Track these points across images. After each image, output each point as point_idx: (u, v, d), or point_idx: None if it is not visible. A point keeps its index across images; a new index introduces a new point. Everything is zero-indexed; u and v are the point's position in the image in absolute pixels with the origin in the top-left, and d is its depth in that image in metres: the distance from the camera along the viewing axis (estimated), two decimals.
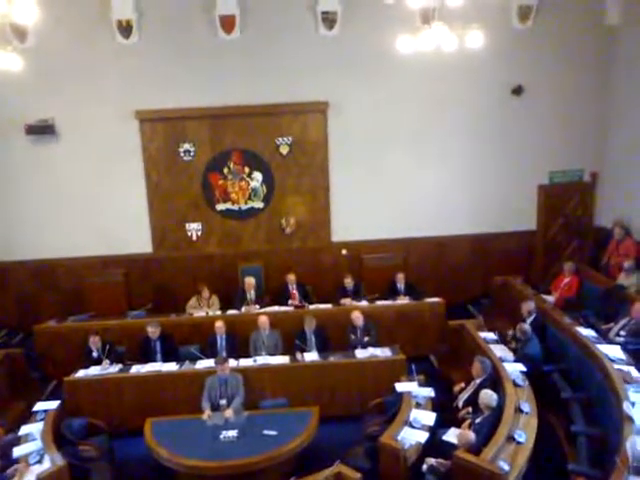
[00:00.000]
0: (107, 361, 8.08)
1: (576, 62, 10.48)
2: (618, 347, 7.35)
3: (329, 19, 10.17)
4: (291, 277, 9.95)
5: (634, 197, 9.95)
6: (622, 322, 7.95)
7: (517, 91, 10.61)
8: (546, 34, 10.33)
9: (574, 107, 10.66)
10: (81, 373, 7.92)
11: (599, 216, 11.03)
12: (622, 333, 7.85)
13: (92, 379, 7.82)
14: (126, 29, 10.00)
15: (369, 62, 10.25)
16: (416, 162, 10.78)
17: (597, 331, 7.92)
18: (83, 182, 10.48)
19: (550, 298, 9.31)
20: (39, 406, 7.22)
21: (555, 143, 10.74)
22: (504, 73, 10.48)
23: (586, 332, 7.83)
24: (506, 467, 5.51)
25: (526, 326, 7.90)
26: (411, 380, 7.34)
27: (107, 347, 8.24)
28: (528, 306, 8.53)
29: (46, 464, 5.97)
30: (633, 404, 6.09)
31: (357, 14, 10.05)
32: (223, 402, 7.13)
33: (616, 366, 6.86)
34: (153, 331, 8.40)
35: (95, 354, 8.21)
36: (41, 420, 6.85)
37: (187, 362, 8.07)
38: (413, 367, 7.51)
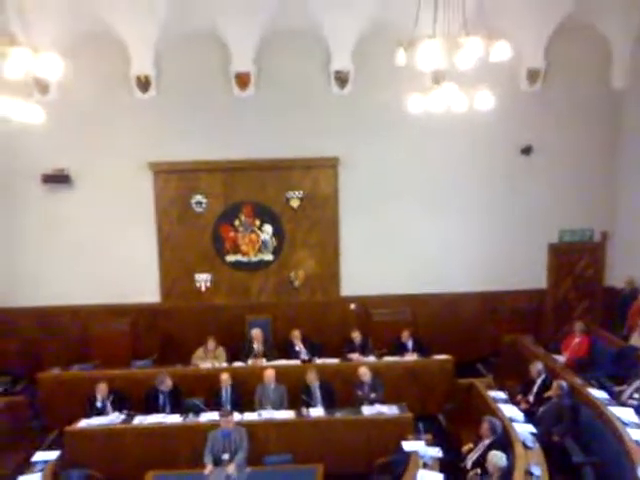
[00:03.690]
0: (115, 412, 7.97)
1: (584, 124, 10.65)
2: (631, 410, 7.18)
3: (341, 78, 10.43)
4: (296, 333, 9.87)
5: None
6: (635, 384, 7.78)
7: (526, 151, 10.75)
8: (554, 96, 10.55)
9: (583, 167, 10.77)
10: (83, 423, 7.79)
11: (609, 276, 10.97)
12: (635, 395, 7.66)
13: (94, 429, 7.68)
14: (144, 84, 10.30)
15: (380, 120, 10.46)
16: (426, 218, 10.84)
17: (609, 393, 7.76)
18: (94, 230, 10.60)
19: (561, 358, 9.17)
20: (38, 456, 7.06)
21: (565, 202, 10.81)
22: (514, 133, 10.65)
23: (598, 394, 7.68)
24: None
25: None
26: (418, 439, 7.17)
27: (112, 397, 8.15)
28: (537, 367, 8.42)
29: None
30: None
31: (369, 73, 10.31)
32: (226, 457, 6.95)
33: (629, 429, 6.69)
34: (164, 384, 8.29)
35: (100, 404, 8.10)
36: (40, 471, 6.69)
37: (191, 414, 7.94)
38: (420, 426, 7.35)
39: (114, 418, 7.92)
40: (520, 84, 10.49)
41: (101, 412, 8.02)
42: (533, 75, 10.46)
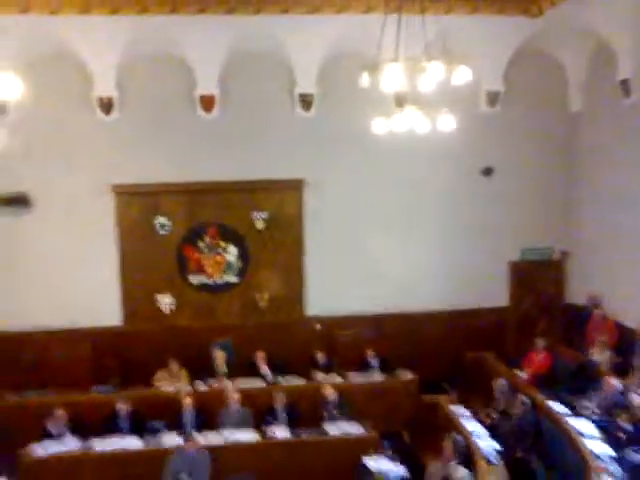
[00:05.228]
0: (73, 438, 7.76)
1: (543, 145, 10.91)
2: (590, 423, 7.29)
3: (306, 101, 10.51)
4: (260, 354, 9.78)
5: (603, 275, 10.13)
6: (594, 398, 7.91)
7: (487, 172, 10.97)
8: (513, 119, 10.80)
9: (543, 187, 11.02)
10: (40, 450, 7.54)
11: (570, 293, 11.19)
12: (595, 410, 7.79)
13: (50, 456, 7.45)
14: (107, 106, 10.18)
15: (344, 142, 10.52)
16: (390, 239, 10.90)
17: (569, 407, 7.87)
18: (53, 253, 10.34)
19: (523, 374, 9.27)
20: None
21: (525, 221, 11.00)
22: (474, 154, 10.84)
23: (558, 408, 7.78)
24: None
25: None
26: (383, 457, 7.16)
27: (69, 423, 7.93)
28: (499, 384, 8.51)
29: None
30: None
31: (333, 96, 10.39)
32: (184, 478, 6.84)
33: (588, 442, 6.79)
34: (122, 408, 8.13)
35: (57, 430, 7.86)
36: None
37: (152, 437, 7.79)
38: (385, 443, 7.35)
39: (72, 445, 7.71)
40: (480, 106, 10.71)
41: (58, 438, 7.78)
42: (492, 98, 10.68)
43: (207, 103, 10.35)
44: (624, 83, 9.15)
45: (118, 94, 10.14)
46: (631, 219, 9.39)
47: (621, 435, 7.05)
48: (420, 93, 6.66)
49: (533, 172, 10.96)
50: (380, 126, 7.80)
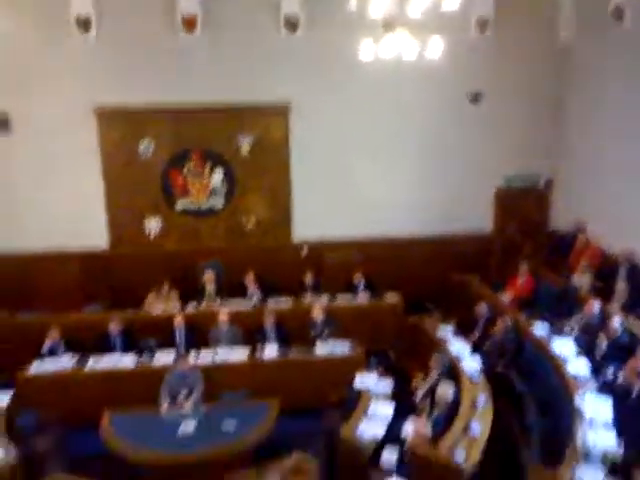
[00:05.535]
0: (67, 356, 7.92)
1: (532, 71, 10.76)
2: (571, 341, 7.58)
3: (292, 22, 10.21)
4: (249, 275, 9.89)
5: (587, 202, 10.28)
6: (574, 319, 8.19)
7: (475, 98, 10.87)
8: (503, 44, 10.58)
9: (530, 114, 10.94)
10: (35, 366, 7.72)
11: (554, 219, 11.37)
12: (574, 329, 8.07)
13: (47, 373, 7.63)
14: (85, 24, 9.79)
15: (331, 66, 10.31)
16: (376, 164, 10.90)
17: (551, 328, 8.14)
18: (38, 176, 10.23)
19: (506, 297, 9.51)
20: None
21: (512, 148, 11.00)
22: (463, 81, 10.70)
23: (540, 327, 8.06)
24: (461, 458, 5.63)
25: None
26: (370, 373, 7.41)
27: (63, 341, 8.08)
28: (481, 308, 8.75)
29: None
30: (583, 398, 6.31)
31: (320, 18, 10.08)
32: (182, 396, 7.06)
33: (568, 361, 7.08)
34: (114, 327, 8.26)
35: (51, 348, 8.01)
36: None
37: (145, 355, 7.97)
38: (372, 360, 7.59)
39: (67, 361, 7.87)
40: (470, 32, 10.47)
41: (53, 357, 7.93)
42: (482, 23, 10.45)
43: (189, 24, 10.03)
44: (616, 8, 9.00)
45: (96, 12, 9.75)
46: (617, 147, 9.43)
47: (598, 354, 7.36)
48: (409, 18, 6.53)
49: (521, 99, 10.86)
50: (368, 50, 7.62)
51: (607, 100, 9.69)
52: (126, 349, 8.19)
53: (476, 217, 11.21)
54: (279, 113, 10.60)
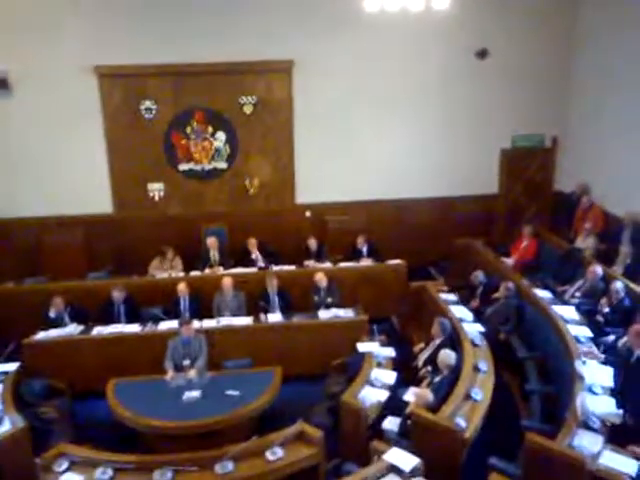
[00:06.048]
0: (72, 324, 8.00)
1: (540, 27, 10.49)
2: (573, 308, 7.59)
3: None
4: (252, 241, 9.90)
5: (592, 163, 10.14)
6: (577, 284, 8.18)
7: (481, 54, 10.61)
8: None
9: (537, 73, 10.69)
10: (41, 335, 7.80)
11: (558, 181, 11.23)
12: (577, 294, 8.08)
13: (52, 341, 7.71)
14: None
15: (336, 21, 10.06)
16: (380, 125, 10.74)
17: (553, 293, 8.14)
18: (39, 139, 10.16)
19: (509, 260, 9.50)
20: None
21: (518, 108, 10.81)
22: (469, 36, 10.44)
23: (542, 294, 8.05)
24: (463, 424, 5.69)
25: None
26: (372, 340, 7.46)
27: (68, 309, 8.14)
28: (477, 276, 8.72)
29: (6, 426, 5.92)
30: (584, 362, 6.33)
31: None
32: (186, 363, 7.13)
33: (570, 326, 7.09)
34: (118, 295, 8.31)
35: (56, 316, 8.08)
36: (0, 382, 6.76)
37: (150, 323, 8.03)
38: (375, 327, 7.62)
39: (72, 329, 7.96)
40: None
41: (58, 324, 8.01)
42: None
43: None
44: None
45: None
46: (624, 108, 9.26)
47: (600, 318, 7.38)
48: None
49: (529, 56, 10.61)
50: (373, 1, 7.41)
51: (616, 56, 9.45)
52: (130, 318, 8.26)
53: (482, 179, 11.09)
54: (282, 71, 10.40)
